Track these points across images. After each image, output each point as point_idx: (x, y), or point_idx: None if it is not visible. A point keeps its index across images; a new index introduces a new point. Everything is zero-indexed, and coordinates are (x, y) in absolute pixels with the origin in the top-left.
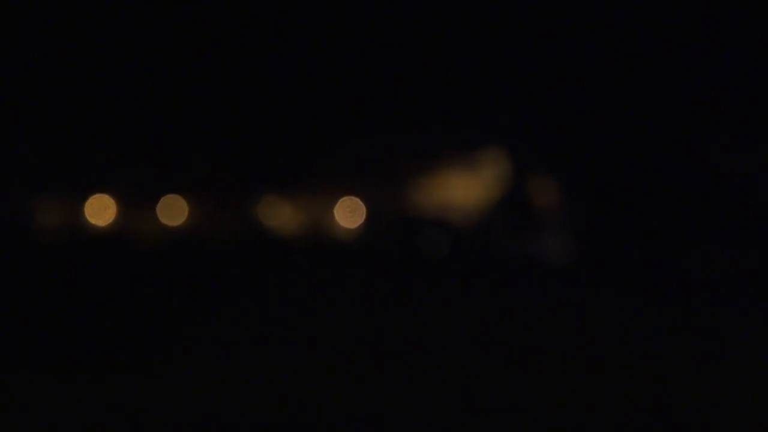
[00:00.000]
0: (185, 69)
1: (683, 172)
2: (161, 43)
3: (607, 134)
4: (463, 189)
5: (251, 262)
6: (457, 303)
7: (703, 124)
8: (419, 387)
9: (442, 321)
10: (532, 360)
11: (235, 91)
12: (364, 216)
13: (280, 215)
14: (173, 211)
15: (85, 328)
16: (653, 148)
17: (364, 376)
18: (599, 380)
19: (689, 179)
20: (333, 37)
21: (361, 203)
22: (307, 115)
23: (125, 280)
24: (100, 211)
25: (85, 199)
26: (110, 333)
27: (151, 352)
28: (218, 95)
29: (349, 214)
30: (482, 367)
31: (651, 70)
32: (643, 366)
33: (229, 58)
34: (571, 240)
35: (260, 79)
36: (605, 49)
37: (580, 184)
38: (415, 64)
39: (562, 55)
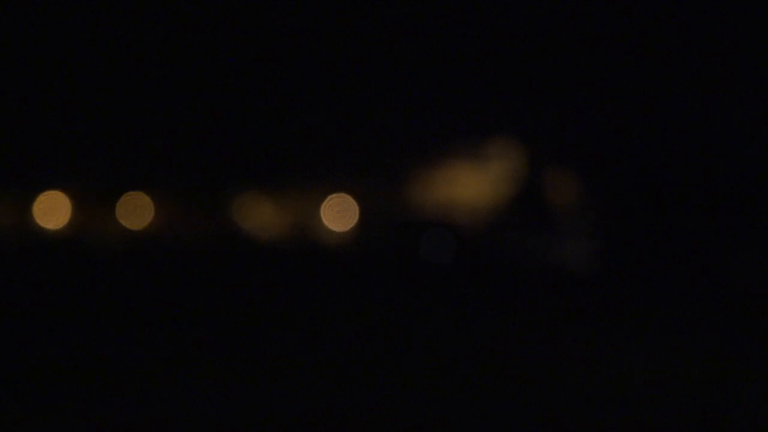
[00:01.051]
0: (151, 50)
1: (719, 169)
2: (124, 25)
3: (634, 123)
4: (471, 186)
5: (224, 273)
6: (465, 317)
7: (741, 118)
8: (421, 418)
9: (448, 338)
10: (549, 381)
11: (207, 75)
12: (356, 217)
13: (258, 217)
14: (136, 212)
15: (33, 345)
16: (687, 138)
17: (357, 408)
18: (624, 395)
19: (724, 177)
20: (318, 18)
21: (352, 202)
22: (290, 101)
23: (79, 295)
24: (52, 211)
25: (34, 197)
26: (62, 352)
27: (108, 375)
28: (188, 79)
29: (338, 215)
30: (494, 392)
31: (688, 59)
32: (672, 379)
33: (201, 41)
34: (593, 244)
35: (236, 62)
36: (637, 33)
37: (603, 180)
38: (414, 44)
39: (584, 34)
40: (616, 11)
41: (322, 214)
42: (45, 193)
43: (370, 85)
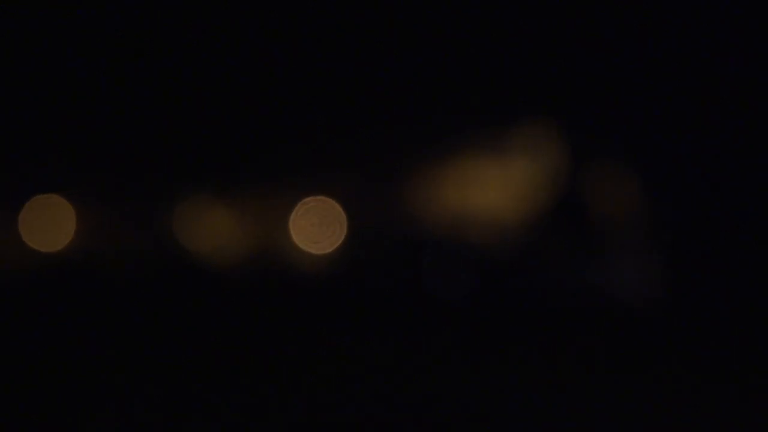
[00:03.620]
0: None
1: None
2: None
3: (708, 111)
4: (493, 192)
5: (161, 310)
6: (487, 369)
7: None
8: None
9: (465, 400)
10: None
11: (147, 47)
12: (341, 233)
13: (209, 233)
14: (48, 226)
15: None
16: None
17: None
18: None
19: None
20: None
21: (337, 209)
22: (247, 71)
23: None
24: None
25: None
26: None
27: None
28: (121, 50)
29: (316, 229)
30: None
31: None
32: None
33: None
34: (656, 266)
35: (180, 34)
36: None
37: (669, 185)
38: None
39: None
40: None
41: (291, 228)
42: None
43: (360, 54)
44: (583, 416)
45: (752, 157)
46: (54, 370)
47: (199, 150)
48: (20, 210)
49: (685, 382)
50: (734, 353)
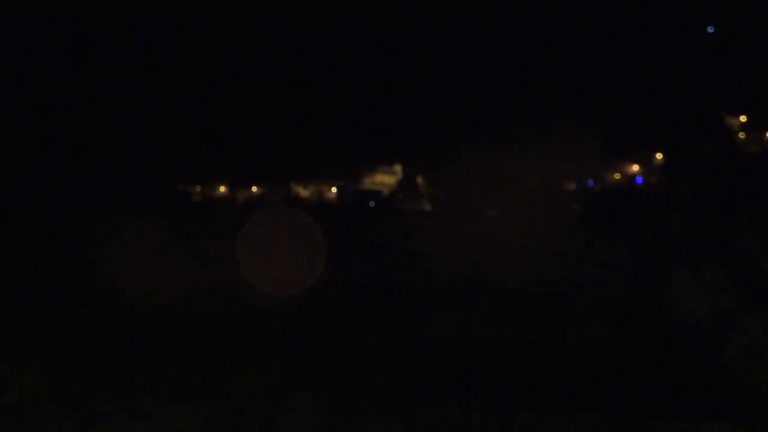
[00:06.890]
0: None
1: None
2: None
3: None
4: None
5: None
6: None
7: None
8: None
9: None
10: None
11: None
12: (319, 266)
13: (139, 266)
14: None
15: None
16: None
17: None
18: None
19: None
20: None
21: (314, 230)
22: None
23: None
24: None
25: None
26: None
27: None
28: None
29: (281, 257)
30: None
31: None
32: None
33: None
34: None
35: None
36: None
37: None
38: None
39: None
40: None
41: (239, 254)
42: None
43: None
44: None
45: None
46: None
47: (131, 166)
48: None
49: None
50: None
